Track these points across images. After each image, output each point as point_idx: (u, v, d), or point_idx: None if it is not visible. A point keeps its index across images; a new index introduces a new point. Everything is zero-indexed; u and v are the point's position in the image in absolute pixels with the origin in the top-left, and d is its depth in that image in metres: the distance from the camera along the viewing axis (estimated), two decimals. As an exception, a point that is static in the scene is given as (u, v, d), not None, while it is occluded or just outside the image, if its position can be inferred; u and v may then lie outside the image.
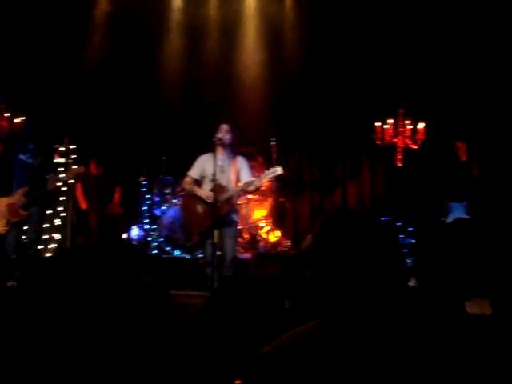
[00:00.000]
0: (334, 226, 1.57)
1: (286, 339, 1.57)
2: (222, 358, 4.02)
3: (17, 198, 6.71)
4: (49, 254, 8.06)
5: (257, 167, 9.23)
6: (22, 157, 6.81)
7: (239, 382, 3.84)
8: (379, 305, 1.48)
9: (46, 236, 8.04)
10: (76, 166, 7.12)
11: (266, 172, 6.50)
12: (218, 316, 4.94)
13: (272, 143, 9.61)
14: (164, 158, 9.73)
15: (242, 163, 6.65)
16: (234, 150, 6.74)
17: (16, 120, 8.95)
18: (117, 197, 9.71)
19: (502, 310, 3.50)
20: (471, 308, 6.46)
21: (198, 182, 6.72)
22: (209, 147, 6.68)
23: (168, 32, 10.08)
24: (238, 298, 5.13)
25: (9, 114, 9.37)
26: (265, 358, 1.58)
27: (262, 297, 4.99)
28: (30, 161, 6.80)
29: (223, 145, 6.49)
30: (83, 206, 9.19)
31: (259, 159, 9.76)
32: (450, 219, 7.84)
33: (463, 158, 7.95)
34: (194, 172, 6.71)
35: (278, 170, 6.31)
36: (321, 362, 1.47)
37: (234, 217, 6.57)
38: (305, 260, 5.27)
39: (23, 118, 7.12)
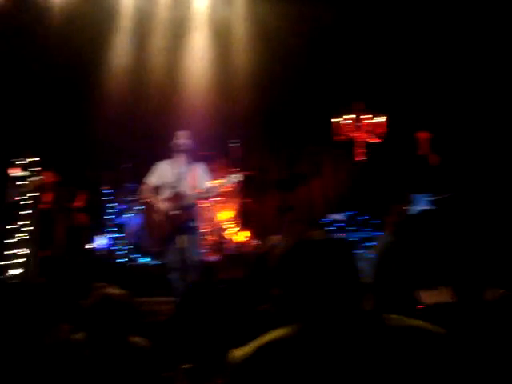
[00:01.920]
0: (292, 259, 1.66)
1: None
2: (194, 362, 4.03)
3: None
4: (15, 271, 7.94)
5: (220, 170, 9.22)
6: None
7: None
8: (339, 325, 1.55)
9: (10, 252, 7.90)
10: (34, 178, 7.03)
11: (226, 179, 6.59)
12: (188, 321, 4.95)
13: (233, 145, 9.61)
14: (127, 165, 9.64)
15: (200, 170, 6.67)
16: (193, 156, 6.74)
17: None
18: (79, 202, 9.58)
19: (464, 298, 3.56)
20: (433, 297, 6.60)
21: (156, 189, 6.74)
22: (168, 154, 6.69)
23: (115, 35, 9.96)
24: (206, 302, 5.14)
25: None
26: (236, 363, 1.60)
27: (230, 299, 5.01)
28: None
29: (181, 151, 6.49)
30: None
31: (221, 161, 9.75)
32: (413, 211, 7.92)
33: (424, 150, 8.04)
34: (152, 179, 6.72)
35: (237, 177, 6.42)
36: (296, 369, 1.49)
37: (194, 223, 6.60)
38: (265, 261, 5.32)
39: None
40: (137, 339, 3.37)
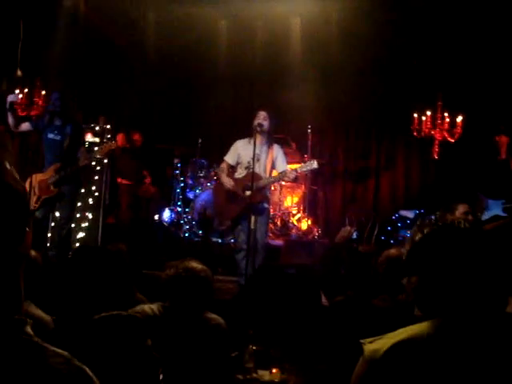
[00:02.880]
0: (437, 246, 1.57)
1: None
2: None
3: (48, 174, 6.68)
4: (81, 234, 8.07)
5: (291, 154, 9.18)
6: (50, 135, 6.76)
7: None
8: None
9: (79, 215, 8.03)
10: (108, 143, 7.09)
11: (302, 165, 6.56)
12: (253, 303, 4.94)
13: (308, 130, 9.56)
14: (200, 140, 9.68)
15: (278, 152, 6.65)
16: (272, 137, 6.71)
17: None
18: (147, 178, 9.72)
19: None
20: None
21: (233, 168, 6.76)
22: (247, 132, 6.67)
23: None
24: (274, 285, 5.12)
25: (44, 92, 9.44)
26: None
27: (298, 286, 4.97)
28: (59, 138, 6.73)
29: (261, 132, 6.46)
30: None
31: (293, 146, 9.71)
32: (485, 216, 7.72)
33: (503, 155, 7.83)
34: (229, 157, 6.74)
35: (314, 164, 6.34)
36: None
37: (266, 205, 6.59)
38: (340, 252, 5.25)
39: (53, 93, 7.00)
40: (213, 315, 3.36)
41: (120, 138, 9.47)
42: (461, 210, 5.40)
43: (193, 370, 3.19)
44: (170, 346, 3.15)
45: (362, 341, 1.53)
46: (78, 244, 7.84)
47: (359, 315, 3.14)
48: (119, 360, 1.81)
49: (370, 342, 1.52)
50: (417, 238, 1.60)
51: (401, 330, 1.52)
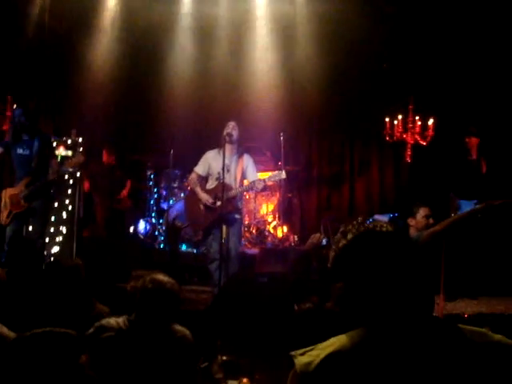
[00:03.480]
0: (358, 251, 1.53)
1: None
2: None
3: (19, 188, 6.61)
4: (56, 248, 7.98)
5: (265, 162, 9.19)
6: (19, 150, 6.66)
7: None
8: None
9: (53, 229, 7.95)
10: (76, 155, 7.05)
11: (271, 175, 6.58)
12: (226, 313, 4.93)
13: (280, 137, 9.56)
14: (172, 151, 9.64)
15: (248, 161, 6.66)
16: (241, 146, 6.72)
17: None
18: (126, 190, 9.67)
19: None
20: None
21: (204, 179, 6.76)
22: (216, 143, 6.67)
23: (175, 30, 9.95)
24: (246, 295, 5.11)
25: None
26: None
27: (270, 295, 4.97)
28: (27, 152, 6.62)
29: (230, 142, 6.47)
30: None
31: (267, 154, 9.72)
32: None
33: (473, 155, 7.89)
34: (200, 168, 6.75)
35: (282, 175, 6.39)
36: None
37: (237, 215, 6.60)
38: (309, 259, 5.27)
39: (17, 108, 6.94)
40: (179, 327, 3.34)
41: (105, 154, 9.45)
42: (422, 213, 5.48)
43: (160, 383, 3.17)
44: (136, 360, 3.13)
45: (292, 353, 1.50)
46: (52, 259, 7.75)
47: (323, 321, 3.13)
48: (45, 378, 1.77)
49: (301, 355, 1.49)
50: (340, 244, 1.57)
51: (331, 340, 1.50)
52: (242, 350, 3.91)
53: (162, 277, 3.28)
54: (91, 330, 3.20)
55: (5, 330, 3.26)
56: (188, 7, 9.54)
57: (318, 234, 4.93)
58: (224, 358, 3.71)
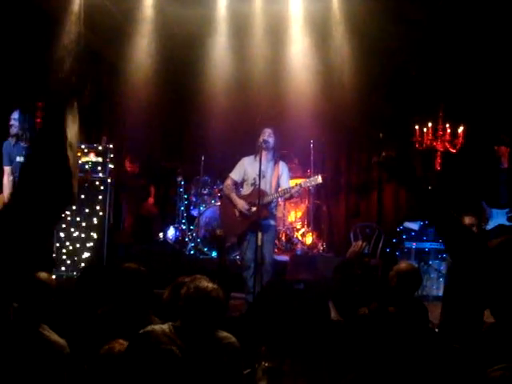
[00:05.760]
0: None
1: None
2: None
3: None
4: (86, 254, 8.04)
5: (293, 169, 9.20)
6: (18, 158, 6.59)
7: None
8: None
9: (84, 235, 8.03)
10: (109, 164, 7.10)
11: (307, 180, 6.62)
12: (263, 320, 4.94)
13: (310, 145, 9.58)
14: (203, 158, 9.69)
15: (283, 169, 6.71)
16: (277, 153, 6.76)
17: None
18: (151, 197, 9.74)
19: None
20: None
21: (239, 184, 6.80)
22: (247, 150, 6.71)
23: (212, 33, 9.93)
24: (283, 301, 5.12)
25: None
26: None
27: (307, 302, 4.98)
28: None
29: (266, 149, 6.52)
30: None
31: (295, 160, 9.74)
32: (490, 226, 7.73)
33: (505, 164, 7.83)
34: (235, 174, 6.78)
35: (319, 179, 6.40)
36: None
37: (272, 221, 6.63)
38: (352, 268, 5.24)
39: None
40: (225, 334, 3.33)
41: (127, 163, 9.54)
42: (466, 221, 5.38)
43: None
44: (183, 367, 3.13)
45: None
46: (83, 264, 7.83)
47: (385, 326, 3.13)
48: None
49: None
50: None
51: None
52: (284, 356, 3.92)
53: (206, 283, 3.24)
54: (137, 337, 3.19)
55: (56, 336, 3.31)
56: (223, 12, 9.48)
57: (360, 242, 4.90)
58: (267, 364, 3.71)
